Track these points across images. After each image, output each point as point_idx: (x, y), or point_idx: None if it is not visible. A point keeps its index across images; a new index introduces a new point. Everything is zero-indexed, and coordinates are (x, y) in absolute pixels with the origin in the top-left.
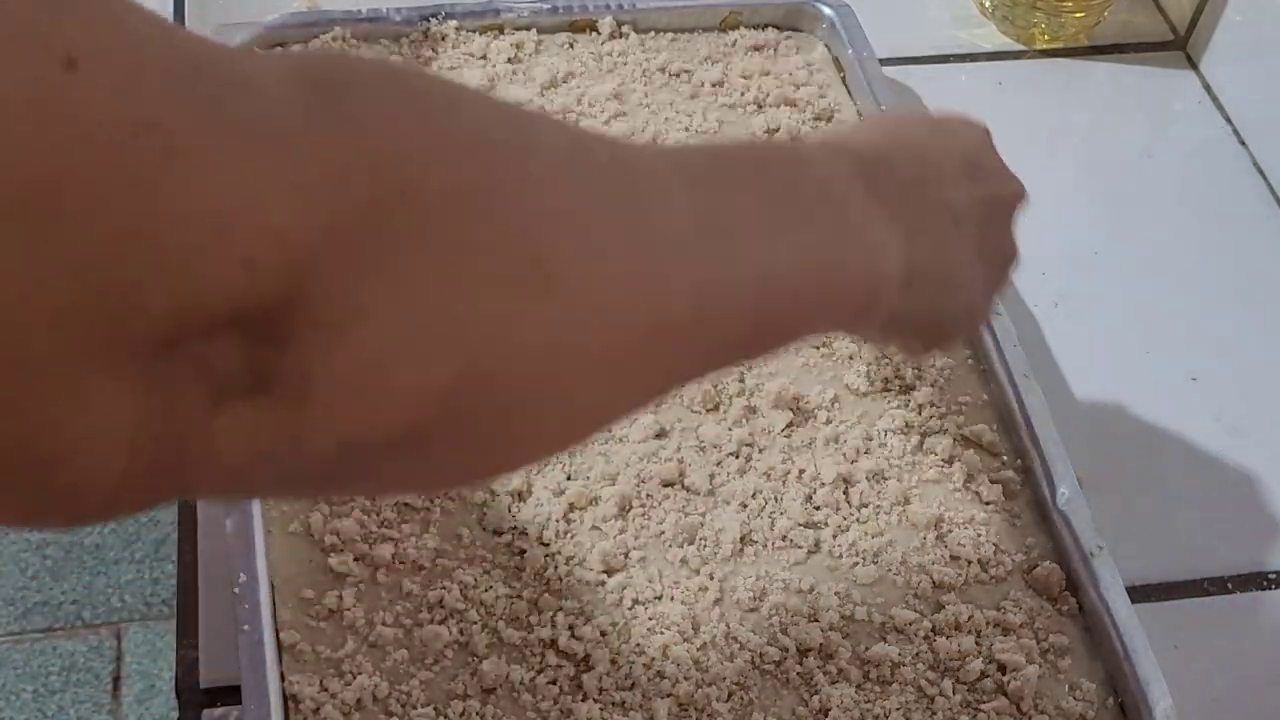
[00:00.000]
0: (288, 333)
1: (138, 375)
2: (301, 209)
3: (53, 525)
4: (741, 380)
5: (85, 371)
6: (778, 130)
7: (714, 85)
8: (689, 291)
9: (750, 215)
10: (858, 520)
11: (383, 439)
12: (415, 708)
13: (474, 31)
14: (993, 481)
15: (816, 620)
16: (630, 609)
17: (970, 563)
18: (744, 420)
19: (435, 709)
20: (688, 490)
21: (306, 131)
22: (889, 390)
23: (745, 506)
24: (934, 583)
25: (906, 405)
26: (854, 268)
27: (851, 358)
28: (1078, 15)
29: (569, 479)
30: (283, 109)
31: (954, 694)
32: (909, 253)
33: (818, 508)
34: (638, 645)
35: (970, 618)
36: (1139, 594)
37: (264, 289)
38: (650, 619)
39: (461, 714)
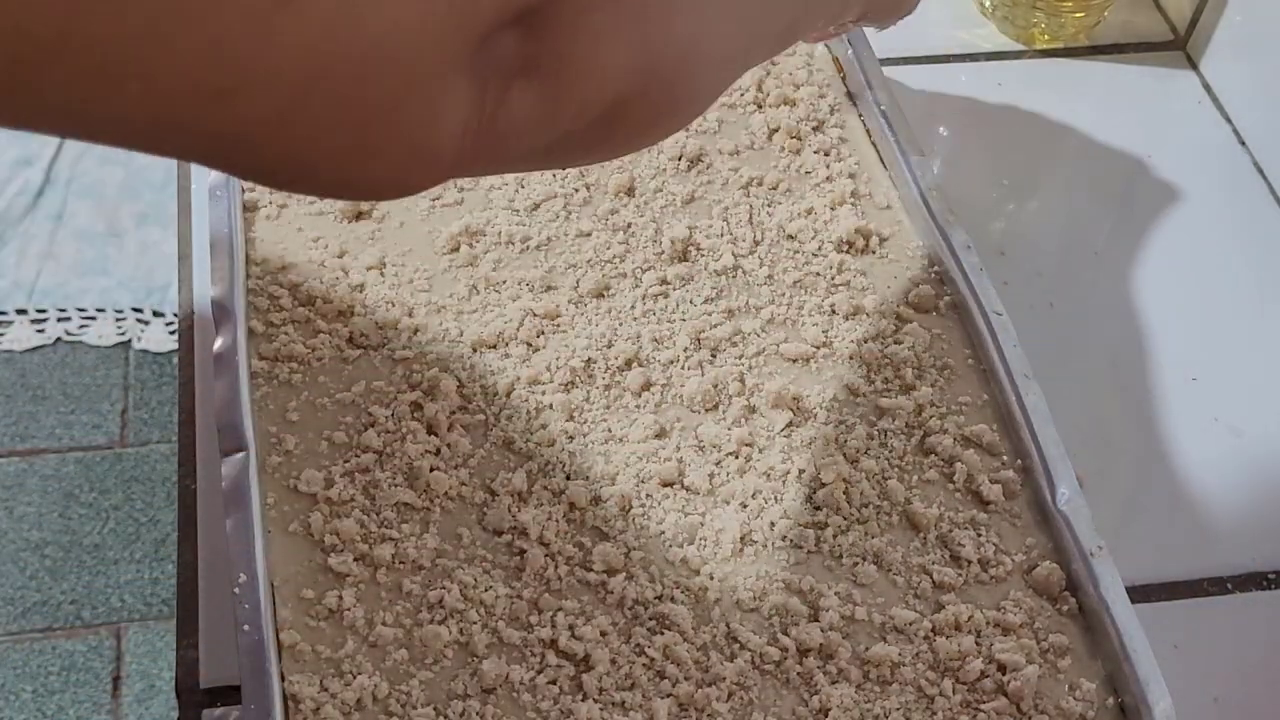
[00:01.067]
0: (544, 27)
1: (469, 67)
2: None
3: (378, 198)
4: (741, 380)
5: (445, 68)
6: (777, 130)
7: None
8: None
9: None
10: (858, 520)
11: (600, 108)
12: (415, 708)
13: None
14: (993, 481)
15: (816, 620)
16: (630, 609)
17: (970, 563)
18: (744, 420)
19: (435, 709)
20: (687, 490)
21: None
22: (889, 390)
23: (745, 506)
24: (934, 583)
25: (906, 405)
26: None
27: (851, 358)
28: (1078, 15)
29: (569, 479)
30: None
31: (954, 694)
32: None
33: (818, 508)
34: (638, 645)
35: (970, 618)
36: (1139, 594)
37: None
38: (650, 619)
39: (461, 714)
